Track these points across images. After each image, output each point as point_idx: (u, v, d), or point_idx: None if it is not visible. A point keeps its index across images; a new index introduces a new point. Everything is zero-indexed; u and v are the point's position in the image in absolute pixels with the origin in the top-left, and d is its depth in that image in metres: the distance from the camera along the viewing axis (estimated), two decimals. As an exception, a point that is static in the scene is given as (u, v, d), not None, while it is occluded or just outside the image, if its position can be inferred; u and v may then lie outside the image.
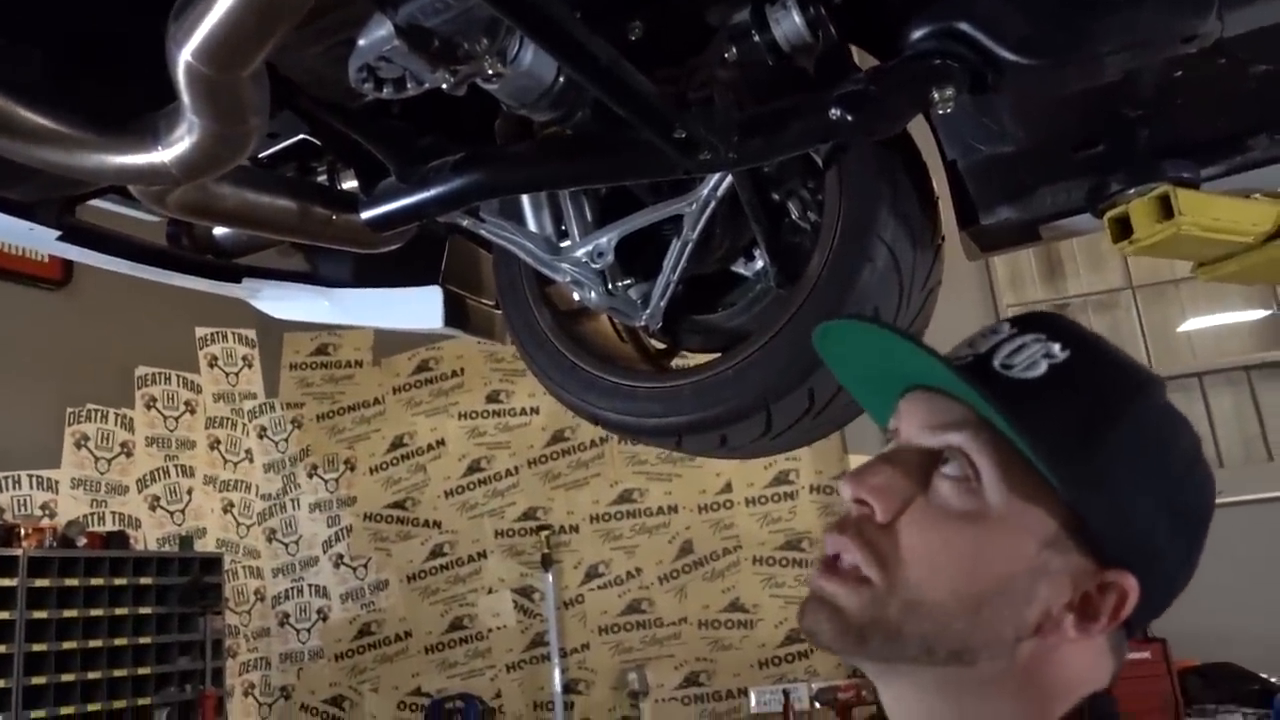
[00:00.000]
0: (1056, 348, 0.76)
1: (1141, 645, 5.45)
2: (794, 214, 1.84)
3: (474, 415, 8.09)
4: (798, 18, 1.45)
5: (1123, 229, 1.64)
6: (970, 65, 1.33)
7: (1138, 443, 0.74)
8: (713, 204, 1.78)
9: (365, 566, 8.06)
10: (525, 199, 1.90)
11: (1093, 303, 7.59)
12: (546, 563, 7.58)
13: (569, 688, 7.45)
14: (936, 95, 1.33)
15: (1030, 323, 0.79)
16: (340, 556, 8.13)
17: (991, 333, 0.79)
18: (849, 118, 1.35)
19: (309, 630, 8.08)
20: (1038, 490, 0.72)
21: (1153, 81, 1.50)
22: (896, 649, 0.73)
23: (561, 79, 1.41)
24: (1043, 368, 0.74)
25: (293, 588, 8.18)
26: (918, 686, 0.76)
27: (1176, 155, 1.58)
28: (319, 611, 8.10)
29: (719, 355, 1.92)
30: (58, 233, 1.82)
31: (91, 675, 6.07)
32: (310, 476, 8.28)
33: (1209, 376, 7.19)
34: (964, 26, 1.31)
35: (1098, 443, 0.73)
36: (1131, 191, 1.61)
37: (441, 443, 8.10)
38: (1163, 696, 5.32)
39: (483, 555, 7.86)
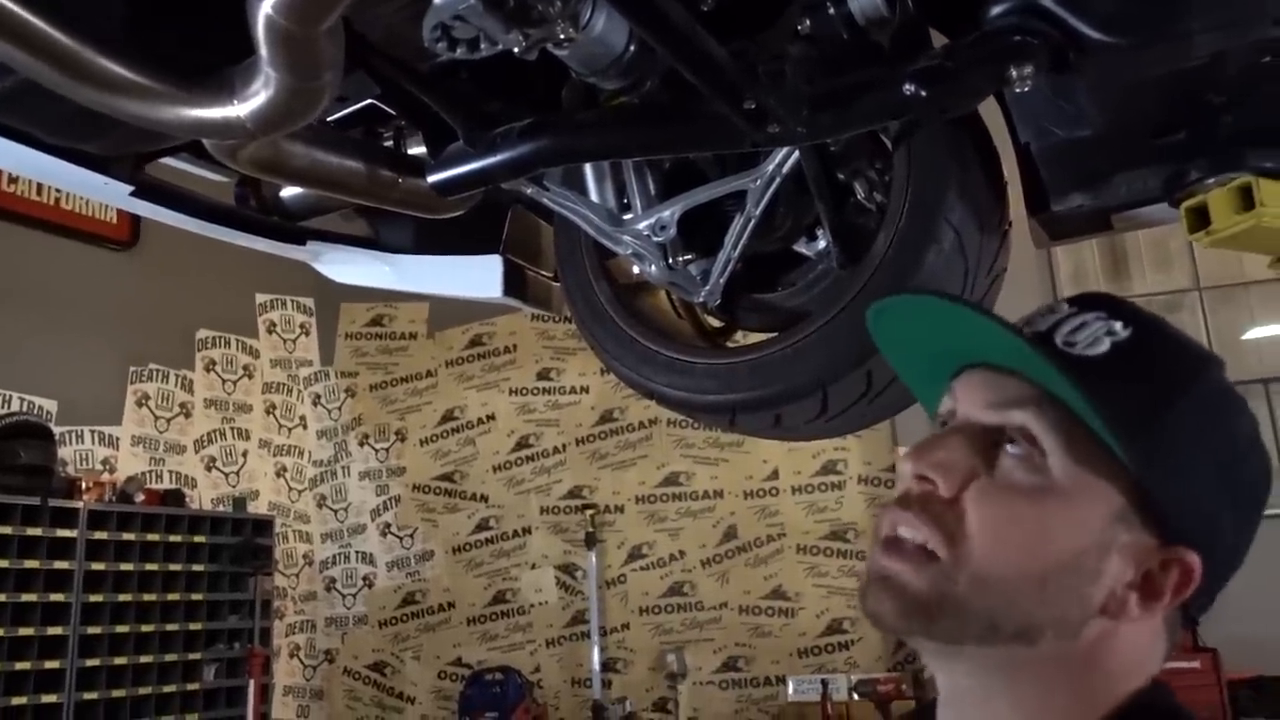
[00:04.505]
0: (1118, 325, 0.75)
1: (1192, 655, 5.35)
2: (860, 193, 1.82)
3: (524, 392, 8.14)
4: (875, -10, 1.43)
5: (1199, 219, 1.59)
6: (1051, 43, 1.30)
7: (1202, 419, 0.74)
8: (778, 180, 1.76)
9: (412, 536, 8.17)
10: (589, 169, 1.90)
11: (1158, 303, 7.41)
12: (590, 541, 7.62)
13: (607, 666, 7.49)
14: (1014, 73, 1.30)
15: (1089, 301, 0.78)
16: (388, 525, 8.24)
17: (1050, 311, 0.78)
18: (923, 94, 1.33)
19: (354, 596, 8.22)
20: (1103, 466, 0.72)
21: (1239, 66, 1.44)
22: (962, 628, 0.72)
23: (633, 47, 1.41)
24: (1105, 345, 0.74)
25: (340, 553, 8.32)
26: (979, 669, 0.75)
27: (1261, 145, 1.53)
28: (365, 578, 8.23)
29: (777, 334, 1.90)
30: (131, 188, 1.86)
31: (145, 628, 6.24)
32: (361, 445, 8.39)
33: (1275, 384, 7.00)
34: (1046, 2, 1.28)
35: (1165, 418, 0.72)
36: (1211, 181, 1.57)
37: (491, 417, 8.17)
38: (1212, 707, 5.21)
39: (527, 531, 7.93)
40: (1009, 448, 0.74)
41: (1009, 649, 0.72)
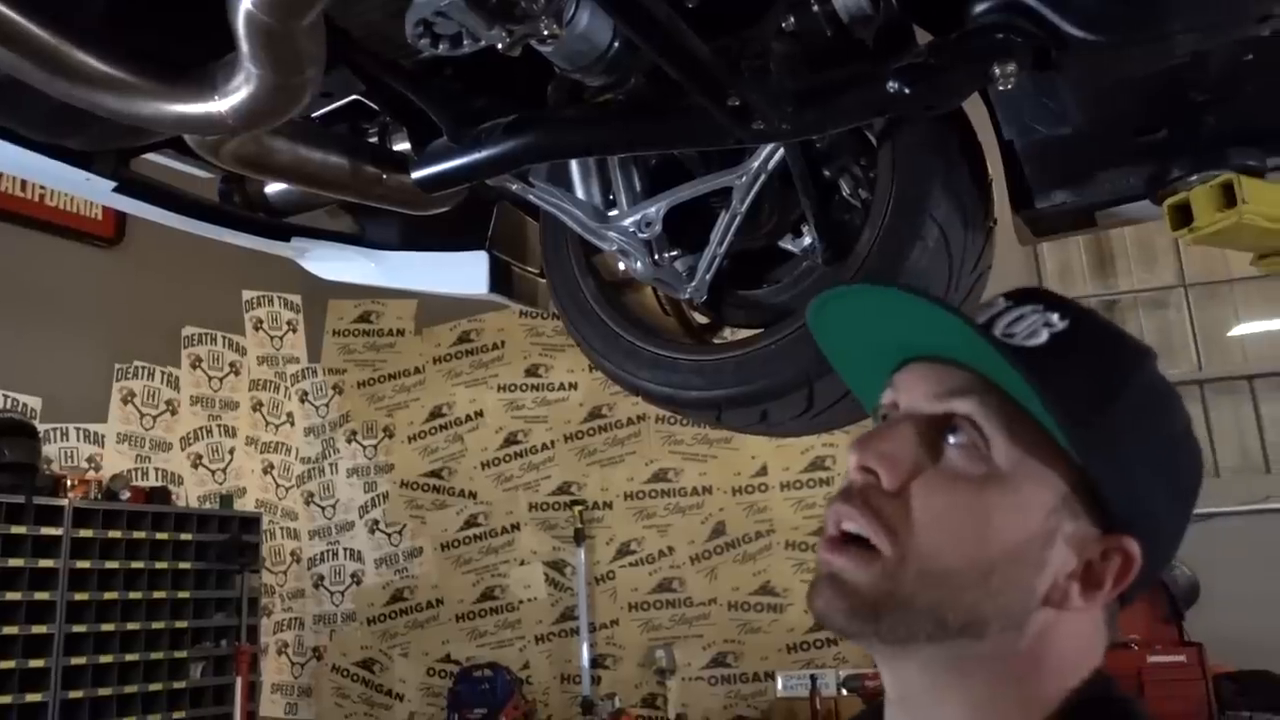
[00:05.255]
0: (1055, 317, 0.75)
1: (1178, 649, 5.39)
2: (845, 190, 1.83)
3: (513, 388, 8.13)
4: (859, -12, 1.43)
5: (1182, 217, 1.61)
6: (1034, 41, 1.31)
7: (1142, 409, 0.75)
8: (763, 177, 1.77)
9: (400, 533, 8.16)
10: (574, 166, 1.90)
11: (1143, 300, 7.46)
12: (579, 538, 7.62)
13: (597, 662, 7.49)
14: (998, 71, 1.31)
15: (1024, 295, 0.78)
16: (376, 522, 8.22)
17: (987, 306, 0.79)
18: (907, 91, 1.34)
19: (342, 593, 8.20)
20: (1046, 455, 0.72)
21: (1221, 64, 1.45)
22: (909, 624, 0.72)
23: (617, 43, 1.41)
24: (1044, 336, 0.74)
25: (328, 550, 8.30)
26: (927, 667, 0.75)
27: (1243, 143, 1.55)
28: (353, 575, 8.21)
29: (762, 330, 1.91)
30: (113, 184, 1.85)
31: (130, 626, 6.20)
32: (349, 442, 8.37)
33: (1260, 380, 7.05)
34: (1030, 0, 1.28)
35: (1107, 408, 0.73)
36: (1194, 178, 1.58)
37: (480, 414, 8.16)
38: (1197, 701, 5.24)
39: (516, 527, 7.92)
40: (952, 437, 0.74)
41: (956, 644, 0.72)
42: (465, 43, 1.25)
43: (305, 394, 8.50)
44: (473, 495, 8.05)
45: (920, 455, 0.74)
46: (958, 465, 0.74)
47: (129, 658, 6.16)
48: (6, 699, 5.46)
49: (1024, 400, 0.71)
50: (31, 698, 5.58)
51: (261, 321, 8.27)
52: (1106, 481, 0.72)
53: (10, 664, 5.52)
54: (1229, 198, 1.52)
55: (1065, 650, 0.74)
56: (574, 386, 7.96)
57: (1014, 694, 0.73)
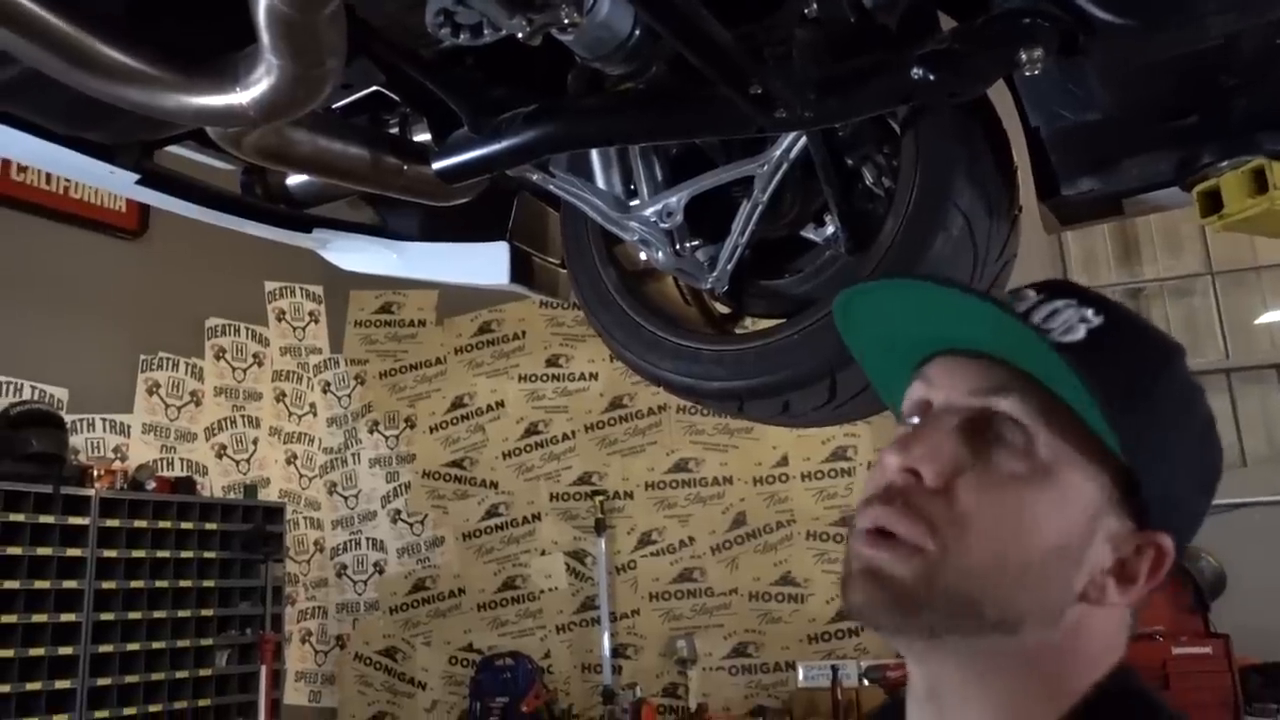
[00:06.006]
0: (1090, 313, 0.75)
1: (1204, 641, 5.34)
2: (868, 179, 1.81)
3: (534, 378, 8.14)
4: (882, -27, 1.41)
5: (1212, 203, 1.58)
6: (1061, 25, 1.29)
7: (1175, 405, 0.75)
8: (785, 166, 1.75)
9: (422, 523, 8.19)
10: (595, 155, 1.89)
11: (1169, 288, 7.38)
12: (600, 527, 7.63)
13: (617, 652, 7.51)
14: (1024, 56, 1.29)
15: (1056, 289, 0.77)
16: (398, 512, 8.26)
17: (1018, 299, 0.77)
18: (931, 78, 1.32)
19: (365, 582, 8.25)
20: (1087, 452, 0.72)
21: (1253, 48, 1.43)
22: (947, 619, 0.71)
23: (638, 31, 1.40)
24: (1081, 332, 0.73)
25: (351, 540, 8.35)
26: (959, 661, 0.74)
27: (1274, 127, 1.52)
28: (375, 565, 8.25)
29: (784, 320, 1.89)
30: (136, 176, 1.86)
31: (157, 614, 6.27)
32: (371, 432, 8.41)
33: (1289, 369, 6.97)
34: (1056, -17, 1.26)
35: (1146, 404, 0.73)
36: (1224, 164, 1.55)
37: (501, 404, 8.17)
38: (1223, 692, 5.20)
39: (537, 517, 7.94)
40: (996, 432, 0.73)
41: (991, 639, 0.72)
42: (486, 32, 1.24)
43: (328, 384, 8.54)
44: (494, 485, 8.07)
45: (962, 453, 0.73)
46: (1001, 463, 0.73)
47: (155, 645, 6.23)
48: (36, 685, 5.53)
49: (1070, 397, 0.71)
50: (60, 684, 5.66)
51: (284, 312, 8.32)
52: (1147, 478, 0.72)
53: (40, 651, 5.59)
54: (1260, 183, 1.50)
55: (1094, 644, 0.74)
56: (595, 376, 7.96)
57: (1042, 687, 0.73)
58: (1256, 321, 7.21)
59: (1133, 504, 0.73)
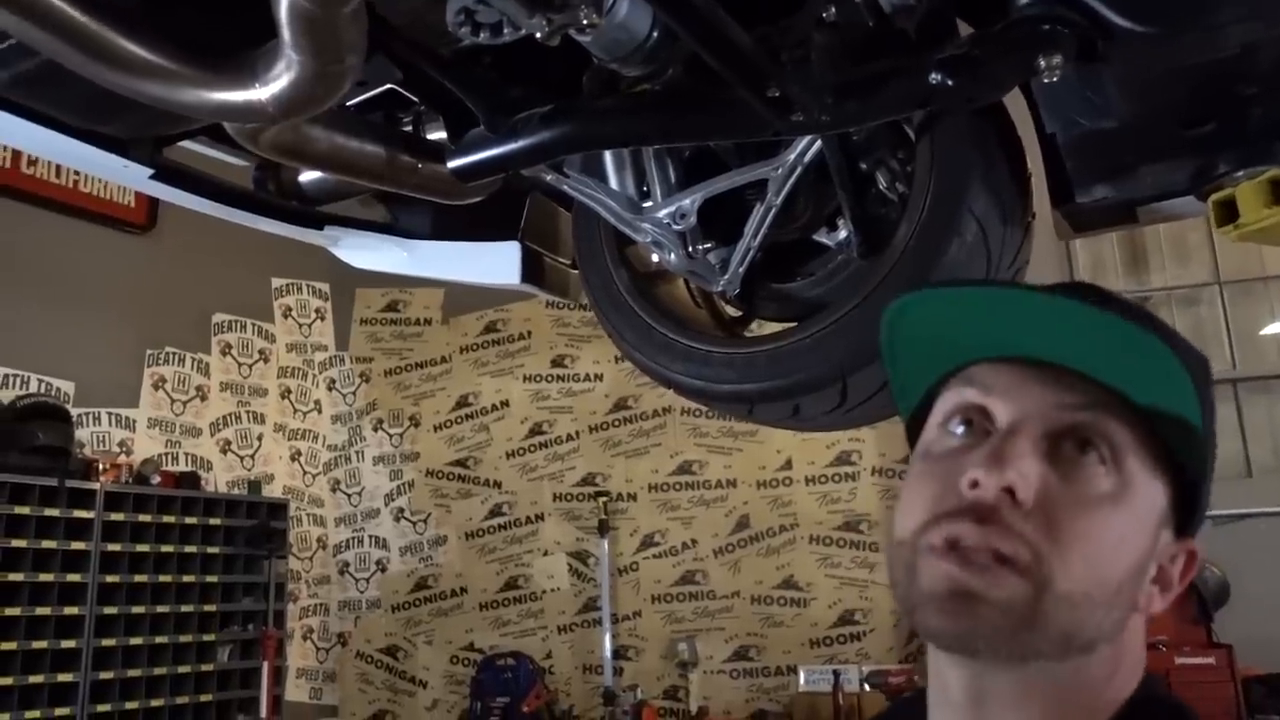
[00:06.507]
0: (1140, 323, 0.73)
1: (1207, 651, 5.33)
2: (882, 184, 1.80)
3: (538, 379, 8.14)
4: (901, -22, 1.41)
5: (1227, 213, 1.58)
6: (1080, 31, 1.28)
7: (1213, 414, 0.75)
8: (799, 169, 1.75)
9: (425, 521, 8.20)
10: (609, 157, 1.89)
11: (1177, 297, 7.37)
12: (603, 529, 7.63)
13: (619, 653, 7.51)
14: (1043, 63, 1.28)
15: (1101, 299, 0.74)
16: (401, 510, 8.27)
17: None
18: (949, 83, 1.32)
19: (368, 580, 8.25)
20: (1158, 468, 0.72)
21: (1271, 57, 1.42)
22: (1040, 644, 0.69)
23: (655, 33, 1.40)
24: None
25: (354, 538, 8.35)
26: (1023, 678, 0.71)
27: (1292, 137, 1.51)
28: (378, 563, 8.26)
29: (796, 324, 1.89)
30: (150, 171, 1.86)
31: (160, 609, 6.28)
32: (375, 430, 8.42)
33: (1295, 380, 6.95)
34: (1076, -10, 1.26)
35: (1211, 417, 0.73)
36: (1240, 174, 1.55)
37: (505, 404, 8.18)
38: (1226, 703, 5.19)
39: (540, 518, 7.94)
40: (1088, 453, 0.71)
41: (1068, 663, 0.71)
42: (506, 31, 1.24)
43: (333, 382, 8.55)
44: (497, 485, 8.08)
45: (1053, 472, 0.71)
46: (1092, 483, 0.71)
47: (158, 640, 6.23)
48: (39, 678, 5.54)
49: (1174, 410, 0.71)
50: (63, 677, 5.66)
51: (290, 309, 8.33)
52: (1205, 494, 0.74)
53: (43, 644, 5.59)
54: (1276, 193, 1.50)
55: (1135, 652, 0.75)
56: (599, 378, 7.96)
57: (1089, 697, 0.72)
58: (1263, 331, 7.19)
59: (1177, 515, 0.74)
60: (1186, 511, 0.74)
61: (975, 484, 0.70)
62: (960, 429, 0.76)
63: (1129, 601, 0.72)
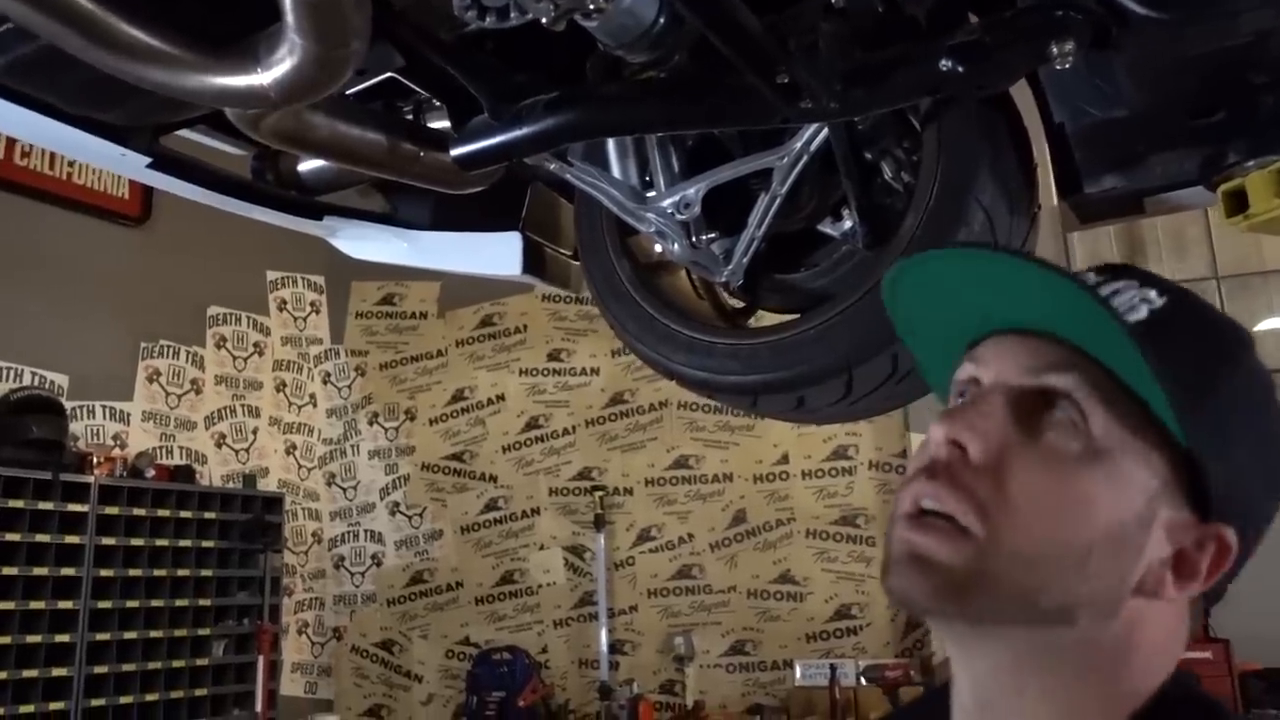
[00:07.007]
0: (1153, 294, 0.72)
1: (1204, 645, 5.33)
2: (887, 173, 1.79)
3: (535, 373, 8.13)
4: (911, -37, 1.40)
5: (1237, 203, 1.57)
6: (1093, 18, 1.27)
7: (1247, 395, 0.72)
8: (804, 159, 1.74)
9: (420, 515, 8.18)
10: (612, 145, 1.87)
11: (1173, 292, 7.37)
12: (599, 523, 7.62)
13: (615, 648, 7.50)
14: (1055, 50, 1.27)
15: (1116, 270, 0.74)
16: (397, 504, 8.25)
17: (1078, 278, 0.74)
18: (960, 70, 1.30)
19: (363, 574, 8.23)
20: (1147, 435, 0.69)
21: (1284, 46, 1.41)
22: (998, 606, 0.68)
23: (662, 18, 1.38)
24: (1143, 312, 0.70)
25: (349, 532, 8.33)
26: (1012, 654, 0.71)
27: (1303, 127, 1.50)
28: (373, 557, 8.24)
29: (800, 315, 1.88)
30: (148, 160, 1.84)
31: (154, 603, 6.25)
32: (371, 424, 8.40)
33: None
34: (1090, -24, 1.25)
35: (1216, 389, 0.70)
36: (1250, 164, 1.54)
37: (501, 398, 8.16)
38: (1223, 697, 5.20)
39: (536, 512, 7.93)
40: (1051, 410, 0.70)
41: (1044, 630, 0.69)
42: (512, 15, 1.23)
43: (328, 375, 8.52)
44: (493, 479, 8.06)
45: (1012, 431, 0.70)
46: (1055, 442, 0.70)
47: (153, 634, 6.21)
48: (33, 673, 5.51)
49: (1131, 376, 0.68)
50: (57, 672, 5.64)
51: (285, 302, 8.29)
52: (1211, 466, 0.69)
53: (37, 639, 5.57)
54: (1287, 184, 1.49)
55: (1153, 642, 0.71)
56: (596, 371, 7.94)
57: (1099, 687, 0.70)
58: (1260, 326, 7.19)
59: (1194, 495, 0.70)
60: (1201, 489, 0.70)
61: (932, 441, 0.71)
62: (960, 401, 0.77)
63: (1115, 575, 0.69)
